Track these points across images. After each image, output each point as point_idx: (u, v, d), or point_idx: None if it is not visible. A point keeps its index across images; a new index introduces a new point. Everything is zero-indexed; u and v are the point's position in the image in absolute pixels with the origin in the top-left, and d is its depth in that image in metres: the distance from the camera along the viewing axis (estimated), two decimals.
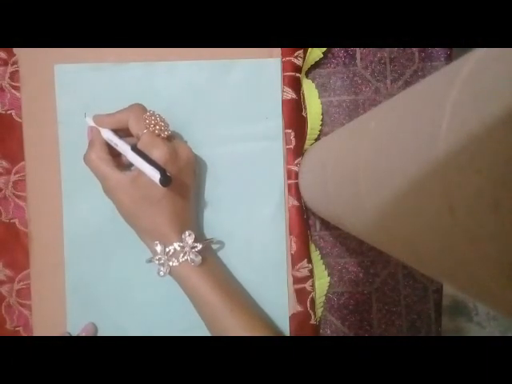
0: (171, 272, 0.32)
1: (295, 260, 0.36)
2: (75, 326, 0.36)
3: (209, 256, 0.33)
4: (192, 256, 0.31)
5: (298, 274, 0.36)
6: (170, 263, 0.31)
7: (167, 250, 0.31)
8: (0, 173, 0.36)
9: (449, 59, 0.38)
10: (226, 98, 0.36)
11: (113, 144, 0.32)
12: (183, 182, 0.32)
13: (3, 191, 0.37)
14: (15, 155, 0.36)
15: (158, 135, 0.30)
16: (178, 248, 0.31)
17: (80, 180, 0.35)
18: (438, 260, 0.14)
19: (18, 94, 0.36)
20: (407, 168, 0.14)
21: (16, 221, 0.37)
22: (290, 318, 0.37)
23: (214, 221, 0.37)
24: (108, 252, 0.36)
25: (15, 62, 0.36)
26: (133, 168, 0.32)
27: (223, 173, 0.37)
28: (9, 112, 0.36)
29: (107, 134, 0.32)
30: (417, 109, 0.15)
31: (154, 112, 0.31)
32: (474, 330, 0.92)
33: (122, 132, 0.32)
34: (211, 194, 0.37)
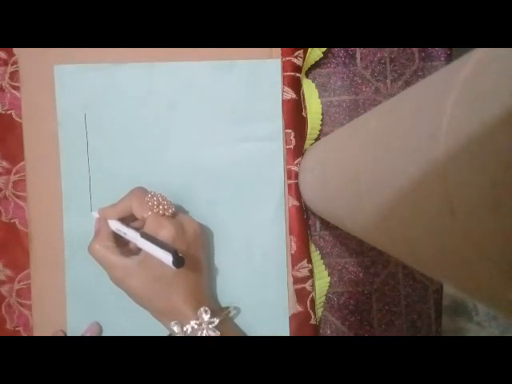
0: None
1: (295, 260, 0.36)
2: (75, 326, 0.36)
3: (226, 328, 0.32)
4: (210, 332, 0.30)
5: (298, 274, 0.36)
6: None
7: (184, 329, 0.31)
8: (0, 173, 0.37)
9: (449, 59, 0.38)
10: (226, 98, 0.36)
11: (122, 234, 0.31)
12: (193, 256, 0.32)
13: (3, 191, 0.37)
14: (15, 155, 0.36)
15: (163, 215, 0.30)
16: (196, 326, 0.30)
17: (80, 180, 0.35)
18: (438, 260, 0.14)
19: (17, 94, 0.36)
20: (407, 168, 0.14)
21: (16, 221, 0.37)
22: (290, 318, 0.37)
23: (214, 221, 0.37)
24: None
25: (15, 62, 0.36)
26: (141, 253, 0.32)
27: (223, 173, 0.37)
28: (9, 112, 0.36)
29: (115, 225, 0.32)
30: (417, 109, 0.15)
31: (155, 192, 0.31)
32: (473, 330, 0.92)
33: (130, 218, 0.32)
34: (211, 194, 0.37)
